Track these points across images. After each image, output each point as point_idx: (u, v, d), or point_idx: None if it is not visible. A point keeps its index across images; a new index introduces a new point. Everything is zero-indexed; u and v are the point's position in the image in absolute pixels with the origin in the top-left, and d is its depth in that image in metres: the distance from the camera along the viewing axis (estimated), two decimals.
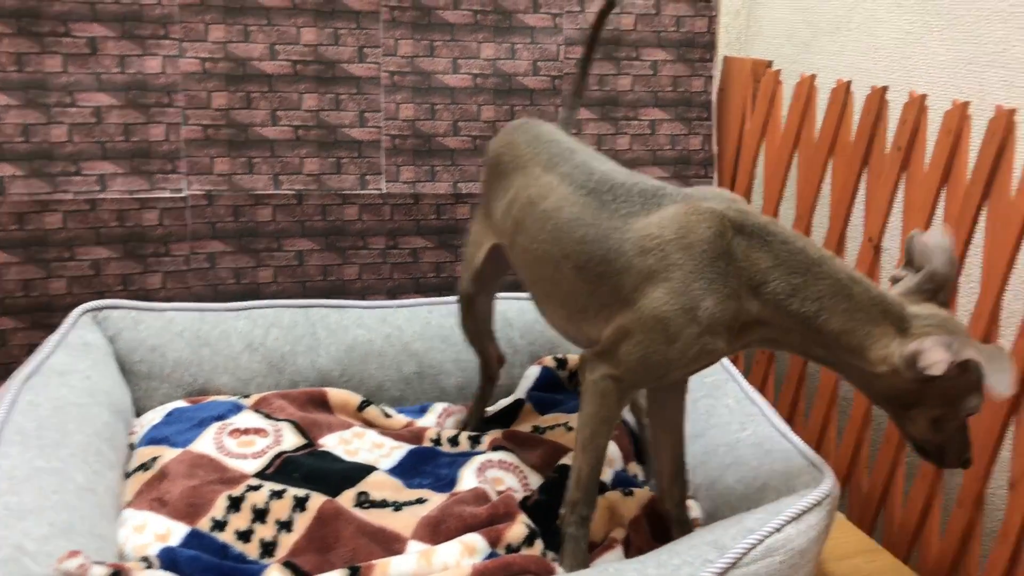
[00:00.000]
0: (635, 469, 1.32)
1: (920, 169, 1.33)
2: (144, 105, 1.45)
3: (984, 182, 1.22)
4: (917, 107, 1.32)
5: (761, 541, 0.96)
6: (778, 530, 0.97)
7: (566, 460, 1.25)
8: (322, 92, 1.53)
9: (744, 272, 0.95)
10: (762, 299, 0.96)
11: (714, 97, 1.73)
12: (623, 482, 1.25)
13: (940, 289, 0.99)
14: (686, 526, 1.14)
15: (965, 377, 0.94)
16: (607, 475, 1.25)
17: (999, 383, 0.87)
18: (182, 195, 1.49)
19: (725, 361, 1.37)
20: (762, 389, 1.64)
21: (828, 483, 1.04)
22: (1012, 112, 1.18)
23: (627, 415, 1.44)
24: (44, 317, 1.45)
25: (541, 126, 1.21)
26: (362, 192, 1.57)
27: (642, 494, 1.21)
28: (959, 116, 1.26)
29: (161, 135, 1.47)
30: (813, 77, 1.54)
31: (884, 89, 1.38)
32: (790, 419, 1.57)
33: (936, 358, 0.90)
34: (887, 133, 1.39)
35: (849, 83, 1.46)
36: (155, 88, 1.45)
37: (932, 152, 1.30)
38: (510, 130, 1.23)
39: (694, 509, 1.21)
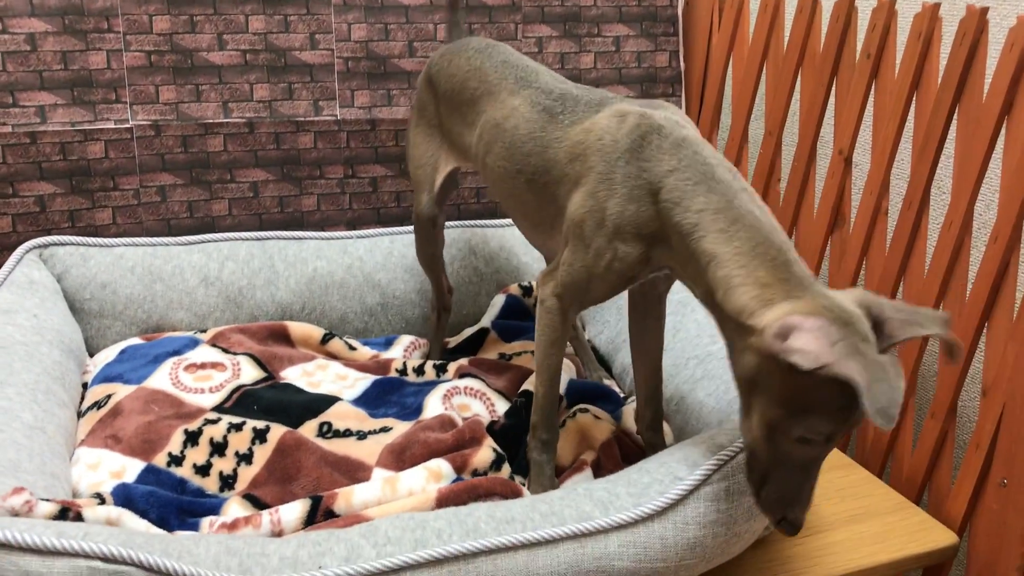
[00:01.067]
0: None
1: (890, 76, 1.29)
2: (81, 31, 1.38)
3: (955, 87, 1.18)
4: (886, 12, 1.28)
5: (732, 457, 0.94)
6: None
7: (529, 386, 1.22)
8: (270, 13, 1.46)
9: (646, 173, 0.90)
10: (658, 205, 0.90)
11: (680, 11, 1.67)
12: (589, 391, 1.24)
13: (905, 327, 0.81)
14: (659, 450, 1.12)
15: (817, 391, 0.77)
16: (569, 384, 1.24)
17: (882, 414, 0.71)
18: (127, 126, 1.43)
19: None
20: None
21: None
22: (984, 11, 1.14)
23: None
24: None
25: (505, 50, 1.18)
26: (316, 119, 1.51)
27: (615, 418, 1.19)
28: (929, 18, 1.21)
29: (102, 63, 1.40)
30: None
31: None
32: None
33: (810, 347, 0.73)
34: (856, 42, 1.35)
35: None
36: (92, 12, 1.38)
37: (902, 59, 1.26)
38: (472, 54, 1.19)
39: (668, 435, 1.19)
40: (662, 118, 0.93)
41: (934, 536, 1.12)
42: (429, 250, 1.32)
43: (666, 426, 1.19)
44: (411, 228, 1.51)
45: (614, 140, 0.94)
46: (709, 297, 0.87)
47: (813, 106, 1.43)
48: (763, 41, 1.52)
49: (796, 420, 0.79)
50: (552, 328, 1.01)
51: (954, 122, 1.20)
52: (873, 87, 1.32)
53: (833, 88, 1.40)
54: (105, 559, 0.79)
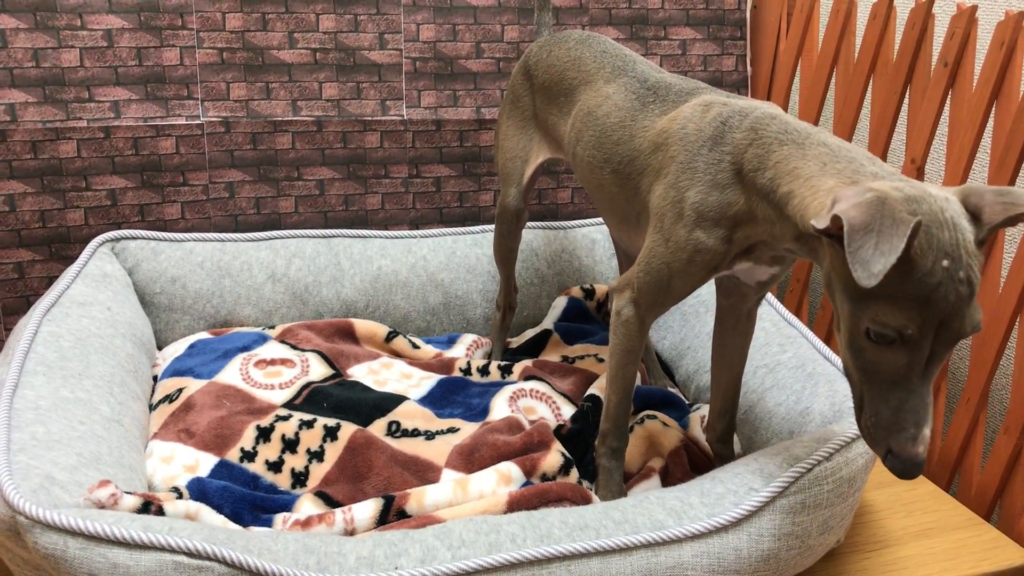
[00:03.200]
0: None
1: (968, 86, 1.27)
2: (156, 28, 1.40)
3: None
4: (966, 20, 1.26)
5: (809, 470, 0.93)
6: (827, 458, 0.94)
7: (594, 390, 1.22)
8: (340, 13, 1.47)
9: (729, 156, 0.88)
10: (744, 183, 0.87)
11: (748, 14, 1.66)
12: (656, 397, 1.24)
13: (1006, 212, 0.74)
14: (727, 461, 1.11)
15: None
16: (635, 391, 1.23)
17: (861, 265, 0.66)
18: (198, 122, 1.45)
19: None
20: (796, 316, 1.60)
21: None
22: None
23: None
24: (62, 248, 1.41)
25: (604, 40, 1.18)
26: (383, 118, 1.52)
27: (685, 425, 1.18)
28: (1013, 27, 1.19)
29: (175, 59, 1.42)
30: None
31: (930, 2, 1.32)
32: None
33: (837, 208, 0.70)
34: (932, 49, 1.33)
35: None
36: (167, 9, 1.40)
37: (981, 68, 1.24)
38: (572, 45, 1.18)
39: (735, 445, 1.18)
40: (746, 103, 0.91)
41: (1007, 554, 1.10)
42: (508, 244, 1.32)
43: (736, 438, 1.19)
44: (473, 228, 1.52)
45: (697, 129, 0.91)
46: (801, 240, 0.83)
47: (885, 114, 1.41)
48: (833, 47, 1.50)
49: (861, 310, 0.73)
50: (628, 338, 1.00)
51: None
52: (949, 96, 1.30)
53: (906, 96, 1.38)
54: (190, 554, 0.80)
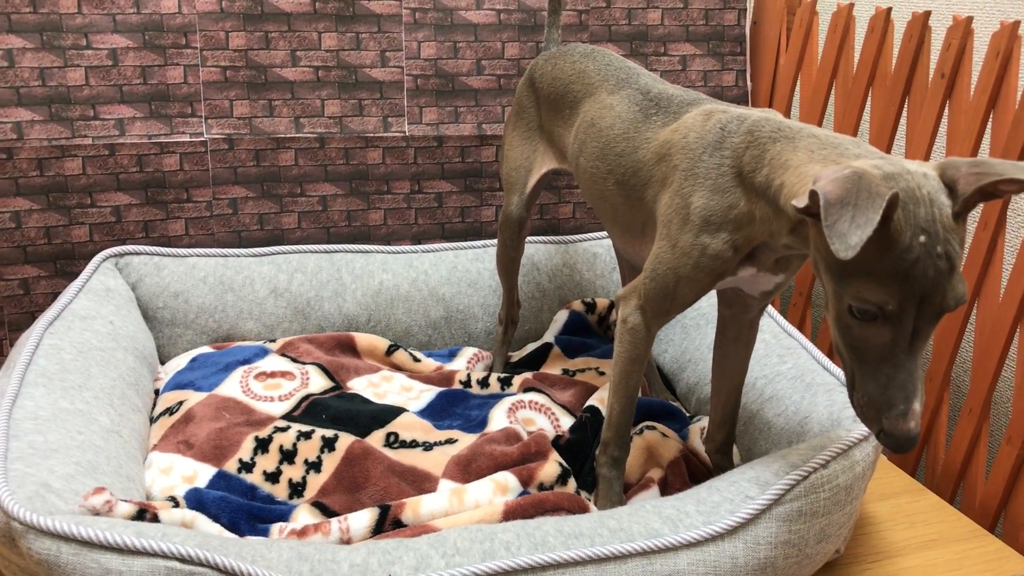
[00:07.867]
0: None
1: (966, 96, 1.27)
2: (160, 46, 1.42)
3: None
4: (962, 30, 1.26)
5: (805, 477, 0.93)
6: (823, 466, 0.94)
7: (594, 401, 1.22)
8: (342, 31, 1.48)
9: (728, 160, 0.89)
10: (744, 185, 0.88)
11: (748, 30, 1.67)
12: (655, 408, 1.23)
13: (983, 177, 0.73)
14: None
15: None
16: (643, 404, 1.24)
17: (838, 238, 0.66)
18: (202, 139, 1.46)
19: None
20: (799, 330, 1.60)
21: None
22: None
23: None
24: (66, 265, 1.43)
25: (609, 54, 1.19)
26: (385, 135, 1.54)
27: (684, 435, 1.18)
28: (1008, 37, 1.20)
29: (179, 77, 1.44)
30: (851, 6, 1.47)
31: (927, 14, 1.32)
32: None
33: (815, 185, 0.71)
34: (930, 61, 1.34)
35: (889, 10, 1.39)
36: (171, 28, 1.42)
37: (978, 78, 1.24)
38: (577, 58, 1.20)
39: (735, 456, 1.18)
40: (745, 109, 0.93)
41: (1011, 566, 1.08)
42: (511, 254, 1.33)
43: (735, 450, 1.18)
44: (475, 243, 1.53)
45: (699, 136, 0.93)
46: (795, 232, 0.83)
47: (884, 126, 1.41)
48: (832, 60, 1.51)
49: (843, 287, 0.74)
50: (634, 346, 1.00)
51: None
52: (947, 107, 1.31)
53: (905, 108, 1.38)
54: (182, 560, 0.80)
